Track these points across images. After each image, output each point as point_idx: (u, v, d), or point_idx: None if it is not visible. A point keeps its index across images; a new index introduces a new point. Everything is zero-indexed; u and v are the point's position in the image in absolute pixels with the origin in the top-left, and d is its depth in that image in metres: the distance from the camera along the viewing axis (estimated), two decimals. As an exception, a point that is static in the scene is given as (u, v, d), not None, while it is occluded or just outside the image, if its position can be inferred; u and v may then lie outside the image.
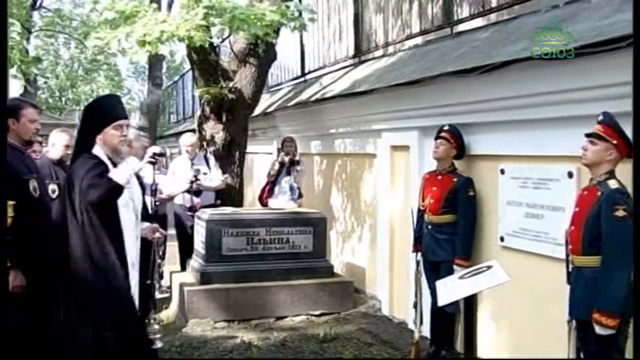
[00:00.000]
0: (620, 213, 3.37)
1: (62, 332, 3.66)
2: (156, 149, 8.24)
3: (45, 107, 25.05)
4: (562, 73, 4.01)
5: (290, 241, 6.64)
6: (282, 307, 6.38)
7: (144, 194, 4.00)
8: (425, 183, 5.30)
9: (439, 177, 5.17)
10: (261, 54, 7.92)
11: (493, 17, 5.64)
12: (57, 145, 5.39)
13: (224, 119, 7.91)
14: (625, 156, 3.50)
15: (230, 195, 7.86)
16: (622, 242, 3.37)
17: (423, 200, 5.26)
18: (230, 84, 7.81)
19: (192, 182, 7.25)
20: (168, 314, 6.70)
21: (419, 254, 5.29)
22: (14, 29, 14.92)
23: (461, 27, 5.99)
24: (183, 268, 7.39)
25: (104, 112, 4.01)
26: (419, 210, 5.32)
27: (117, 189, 3.71)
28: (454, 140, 5.10)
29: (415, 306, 5.24)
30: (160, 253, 7.86)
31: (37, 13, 19.93)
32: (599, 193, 3.48)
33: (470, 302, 3.24)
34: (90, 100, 4.66)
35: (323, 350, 5.45)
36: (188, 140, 7.63)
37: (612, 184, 3.48)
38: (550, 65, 4.01)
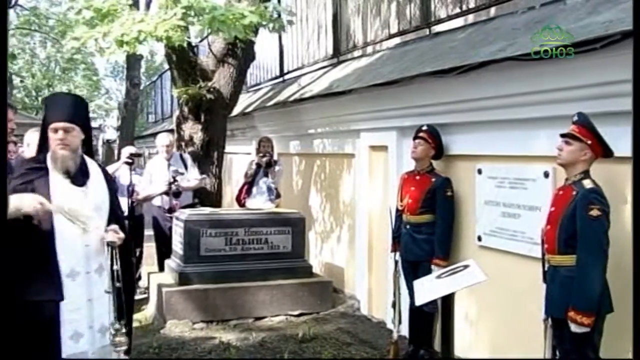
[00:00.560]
0: (594, 212, 3.41)
1: None
2: (132, 149, 8.28)
3: (21, 106, 24.81)
4: (538, 74, 4.05)
5: (269, 241, 6.64)
6: (261, 307, 6.37)
7: (114, 194, 3.76)
8: (403, 183, 5.32)
9: (417, 177, 5.20)
10: (240, 54, 7.90)
11: (471, 18, 5.67)
12: (32, 145, 5.32)
13: (202, 119, 7.88)
14: (599, 156, 3.55)
15: (208, 195, 7.83)
16: (597, 241, 3.42)
17: (401, 200, 5.28)
18: (209, 84, 7.78)
19: (170, 184, 7.22)
20: (146, 315, 6.67)
21: (398, 253, 5.31)
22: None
23: (439, 28, 6.02)
24: (161, 269, 7.35)
25: (45, 113, 3.73)
26: (397, 210, 5.34)
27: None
28: (432, 140, 5.12)
29: (393, 306, 5.26)
30: (137, 254, 7.83)
31: (13, 11, 19.72)
32: (574, 193, 3.53)
33: (448, 302, 3.25)
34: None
35: (302, 350, 5.45)
36: (164, 140, 7.58)
37: (587, 183, 3.52)
38: (527, 66, 4.05)
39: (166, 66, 9.35)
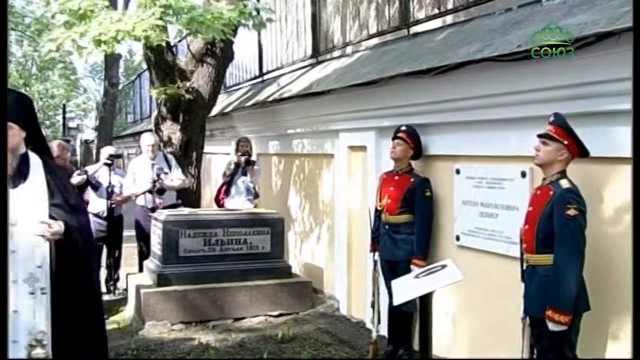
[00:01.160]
0: (571, 212, 3.44)
1: None
2: (112, 150, 8.22)
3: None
4: (515, 75, 4.08)
5: (248, 242, 6.62)
6: (240, 308, 6.35)
7: (63, 189, 3.50)
8: (382, 183, 5.33)
9: (396, 178, 5.21)
10: (219, 53, 7.88)
11: (449, 19, 5.70)
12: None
13: (181, 119, 7.85)
14: (575, 156, 3.59)
15: (187, 195, 7.80)
16: (574, 240, 3.45)
17: (380, 200, 5.29)
18: (188, 84, 7.75)
19: (154, 182, 7.18)
20: (124, 316, 6.62)
21: (377, 253, 5.33)
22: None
23: (418, 29, 6.04)
24: (141, 270, 7.30)
25: None
26: (377, 210, 5.35)
27: None
28: (411, 140, 5.14)
29: (372, 306, 5.28)
30: (116, 255, 7.79)
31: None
32: (552, 192, 3.55)
33: (426, 301, 3.27)
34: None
35: (281, 350, 5.44)
36: (149, 139, 7.53)
37: (564, 183, 3.55)
38: (504, 67, 4.08)
39: (145, 66, 9.30)
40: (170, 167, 7.47)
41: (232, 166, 7.76)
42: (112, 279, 7.72)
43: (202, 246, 6.48)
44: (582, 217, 3.47)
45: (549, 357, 3.59)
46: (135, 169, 7.58)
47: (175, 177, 7.46)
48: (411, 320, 5.10)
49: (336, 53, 7.69)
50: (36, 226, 3.18)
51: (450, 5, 5.64)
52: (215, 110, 8.96)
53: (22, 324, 3.18)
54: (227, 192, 7.84)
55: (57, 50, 6.13)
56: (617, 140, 3.60)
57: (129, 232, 8.18)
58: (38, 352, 3.20)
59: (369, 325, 5.68)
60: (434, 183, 5.15)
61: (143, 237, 7.43)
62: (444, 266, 3.37)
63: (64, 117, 29.13)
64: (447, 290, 4.99)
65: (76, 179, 7.23)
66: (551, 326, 3.46)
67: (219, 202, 7.95)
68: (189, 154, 7.96)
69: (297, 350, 5.43)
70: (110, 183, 7.38)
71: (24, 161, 3.37)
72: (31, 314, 3.20)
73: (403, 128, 5.15)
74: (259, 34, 9.52)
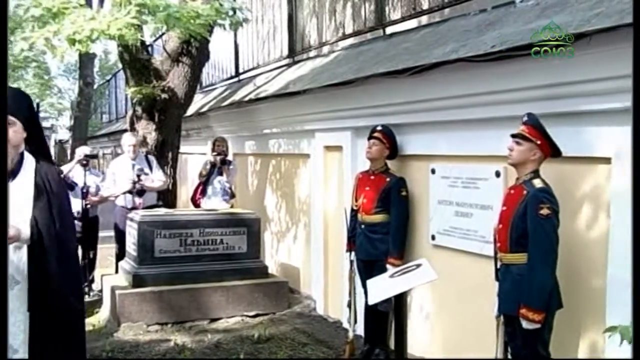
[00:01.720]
0: (544, 211, 3.48)
1: None
2: (87, 150, 8.14)
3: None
4: (489, 75, 4.12)
5: (224, 242, 6.60)
6: (216, 308, 6.33)
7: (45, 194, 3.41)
8: (358, 183, 5.35)
9: (372, 177, 5.22)
10: (194, 53, 7.84)
11: (424, 19, 5.73)
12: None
13: (156, 119, 7.80)
14: (548, 156, 3.62)
15: (163, 196, 7.75)
16: (547, 239, 3.49)
17: (356, 200, 5.30)
18: (163, 84, 7.71)
19: (135, 182, 7.13)
20: (99, 318, 6.55)
21: (353, 253, 5.34)
22: None
23: (393, 29, 6.06)
24: (118, 271, 7.24)
25: None
26: (353, 210, 5.36)
27: None
28: (387, 140, 5.16)
29: (349, 305, 5.30)
30: (91, 257, 7.71)
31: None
32: (525, 192, 3.59)
33: (400, 301, 3.28)
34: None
35: (258, 351, 5.43)
36: (130, 139, 7.46)
37: (537, 183, 3.58)
38: (478, 67, 4.11)
39: (120, 65, 9.22)
40: (151, 168, 7.43)
41: (208, 166, 7.74)
42: (87, 280, 7.64)
43: (178, 247, 6.45)
44: (555, 217, 3.51)
45: (522, 354, 3.63)
46: (116, 169, 7.52)
47: (156, 178, 7.41)
48: (387, 320, 5.11)
49: (312, 53, 7.69)
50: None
51: (425, 6, 5.67)
52: (191, 110, 8.92)
53: None
54: (204, 192, 7.82)
55: (30, 49, 6.05)
56: (590, 140, 3.65)
57: (105, 233, 8.11)
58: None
59: (345, 325, 5.69)
60: (409, 183, 5.17)
61: (122, 237, 7.37)
62: (418, 265, 3.38)
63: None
64: (422, 289, 5.02)
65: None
66: (525, 324, 3.50)
67: (195, 202, 7.93)
68: (164, 154, 7.91)
69: (274, 351, 5.42)
70: (85, 183, 7.31)
71: (18, 160, 3.28)
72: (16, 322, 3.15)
73: (379, 128, 5.17)
74: (235, 34, 9.49)
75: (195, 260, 6.48)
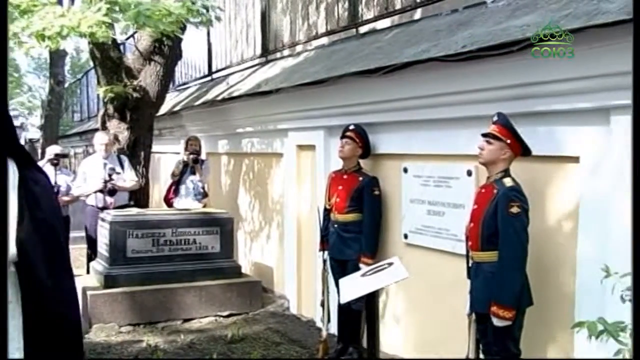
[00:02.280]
0: (514, 210, 3.51)
1: None
2: (57, 149, 8.05)
3: None
4: (460, 75, 4.15)
5: (197, 242, 6.57)
6: (189, 309, 6.30)
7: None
8: (331, 182, 5.35)
9: (345, 177, 5.23)
10: (166, 52, 7.79)
11: (397, 19, 5.75)
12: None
13: (128, 118, 7.74)
14: (518, 155, 3.66)
15: (135, 196, 7.69)
16: (517, 237, 3.52)
17: (329, 199, 5.31)
18: (135, 83, 7.65)
19: (106, 182, 7.06)
20: (70, 319, 6.47)
21: (326, 252, 5.34)
22: None
23: (366, 28, 6.08)
24: (89, 272, 7.16)
25: None
26: (326, 209, 5.37)
27: None
28: (360, 139, 5.17)
29: (322, 304, 5.30)
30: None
31: None
32: (495, 191, 3.62)
33: (372, 299, 3.30)
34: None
35: (231, 351, 5.42)
36: (102, 138, 7.39)
37: (507, 182, 3.61)
38: (450, 67, 4.14)
39: (92, 63, 9.08)
40: (122, 168, 7.37)
41: (181, 166, 7.70)
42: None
43: (150, 247, 6.40)
44: (525, 215, 3.54)
45: (493, 351, 3.66)
46: (87, 168, 7.44)
47: (128, 178, 7.37)
48: (360, 319, 5.13)
49: (285, 52, 7.68)
50: None
51: (398, 6, 5.69)
52: (163, 109, 8.86)
53: None
54: (176, 192, 7.78)
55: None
56: (559, 140, 3.69)
57: (76, 233, 8.02)
58: None
59: (319, 324, 5.70)
60: (382, 182, 5.19)
61: (93, 238, 7.29)
62: (390, 264, 3.40)
63: (7, 116, 28.28)
64: (395, 288, 5.04)
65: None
66: (496, 322, 3.53)
67: (168, 202, 7.88)
68: (137, 153, 7.85)
69: (247, 351, 5.41)
70: (55, 183, 7.22)
71: None
72: None
73: (351, 127, 5.17)
74: (208, 33, 9.45)
75: (167, 260, 6.44)
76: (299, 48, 7.35)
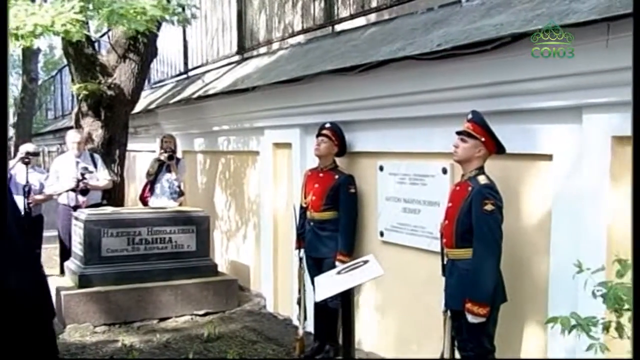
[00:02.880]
0: (489, 207, 3.54)
1: None
2: (30, 147, 7.94)
3: None
4: (435, 73, 4.17)
5: (173, 241, 6.53)
6: (165, 308, 6.26)
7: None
8: (307, 180, 5.35)
9: (321, 175, 5.23)
10: (141, 49, 7.73)
11: (373, 17, 5.76)
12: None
13: (102, 116, 7.67)
14: (492, 152, 3.69)
15: (109, 195, 7.62)
16: (491, 234, 3.55)
17: (305, 197, 5.30)
18: (110, 80, 7.59)
19: (78, 181, 6.99)
20: (44, 320, 6.39)
21: (302, 250, 5.34)
22: None
23: (342, 27, 6.08)
24: (63, 271, 7.08)
25: None
26: (302, 207, 5.37)
27: None
28: (335, 137, 5.17)
29: (299, 302, 5.31)
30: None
31: None
32: (470, 188, 3.64)
33: (347, 297, 3.30)
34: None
35: (207, 350, 5.40)
36: (74, 136, 7.31)
37: (482, 179, 3.64)
38: (425, 65, 4.16)
39: (66, 61, 8.97)
40: (96, 167, 7.30)
41: (156, 164, 7.65)
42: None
43: (125, 245, 6.35)
44: (499, 212, 3.58)
45: (468, 348, 3.69)
46: (59, 166, 7.37)
47: (101, 177, 7.30)
48: (337, 316, 5.13)
49: (261, 50, 7.66)
50: None
51: (374, 4, 5.70)
52: (139, 107, 8.79)
53: None
54: (152, 191, 7.73)
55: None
56: (533, 138, 3.73)
57: (50, 233, 7.93)
58: None
59: (295, 322, 5.70)
60: (358, 180, 5.20)
61: (66, 237, 7.21)
62: (365, 262, 3.40)
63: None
64: (372, 285, 5.06)
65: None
66: (470, 318, 3.56)
67: (143, 201, 7.83)
68: (111, 151, 7.79)
69: (224, 349, 5.39)
70: (27, 182, 7.14)
71: None
72: None
73: (327, 125, 5.18)
74: (184, 30, 9.39)
75: (143, 259, 6.40)
76: (275, 46, 7.34)
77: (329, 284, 3.28)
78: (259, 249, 6.95)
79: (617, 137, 3.20)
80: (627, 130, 3.11)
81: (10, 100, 29.67)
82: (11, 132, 25.65)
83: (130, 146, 8.52)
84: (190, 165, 8.75)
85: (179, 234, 6.56)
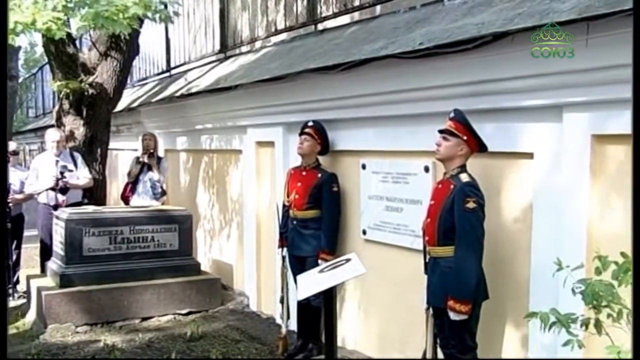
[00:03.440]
0: (470, 205, 3.55)
1: None
2: (12, 145, 7.87)
3: None
4: (417, 71, 4.18)
5: (155, 239, 6.49)
6: (148, 307, 6.23)
7: None
8: (290, 179, 5.34)
9: (304, 173, 5.23)
10: (124, 47, 7.68)
11: (356, 15, 5.77)
12: None
13: (84, 114, 7.62)
14: (474, 151, 3.70)
15: (90, 193, 7.57)
16: (473, 232, 3.56)
17: (288, 196, 5.30)
18: (91, 78, 7.53)
19: (58, 179, 6.93)
20: (25, 321, 6.34)
21: (285, 249, 5.34)
22: None
23: (325, 25, 6.08)
24: (43, 271, 7.02)
25: None
26: (285, 205, 5.36)
27: None
28: (318, 136, 5.17)
29: (281, 301, 5.31)
30: (14, 257, 7.47)
31: None
32: (452, 186, 3.65)
33: (330, 295, 3.31)
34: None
35: (190, 349, 5.38)
36: (53, 135, 7.25)
37: (464, 177, 3.66)
38: (407, 64, 4.17)
39: (47, 58, 8.88)
40: (76, 165, 7.24)
41: (137, 164, 7.62)
42: (11, 282, 7.39)
43: (107, 245, 6.31)
44: (481, 210, 3.59)
45: (450, 345, 3.71)
46: (39, 165, 7.31)
47: (81, 176, 7.24)
48: (320, 315, 5.14)
49: (244, 48, 7.65)
50: None
51: (357, 3, 5.71)
52: (121, 105, 8.74)
53: None
54: (134, 190, 7.69)
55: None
56: (515, 136, 3.75)
57: (31, 232, 7.86)
58: None
59: (278, 321, 5.70)
60: (341, 178, 5.20)
61: (46, 236, 7.16)
62: (348, 260, 3.40)
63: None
64: (355, 283, 5.07)
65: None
66: (452, 316, 3.57)
67: (125, 200, 7.79)
68: (93, 150, 7.73)
69: (207, 348, 5.37)
70: (6, 180, 7.07)
71: None
72: None
73: (310, 124, 5.18)
74: (167, 28, 9.35)
75: (125, 258, 6.36)
76: (258, 44, 7.33)
77: (311, 283, 3.28)
78: (242, 248, 6.94)
79: (596, 136, 3.23)
80: (607, 128, 3.17)
81: (-9, 98, 29.41)
82: (-9, 130, 25.36)
83: (112, 144, 8.47)
84: (173, 164, 8.72)
85: (161, 233, 6.52)
